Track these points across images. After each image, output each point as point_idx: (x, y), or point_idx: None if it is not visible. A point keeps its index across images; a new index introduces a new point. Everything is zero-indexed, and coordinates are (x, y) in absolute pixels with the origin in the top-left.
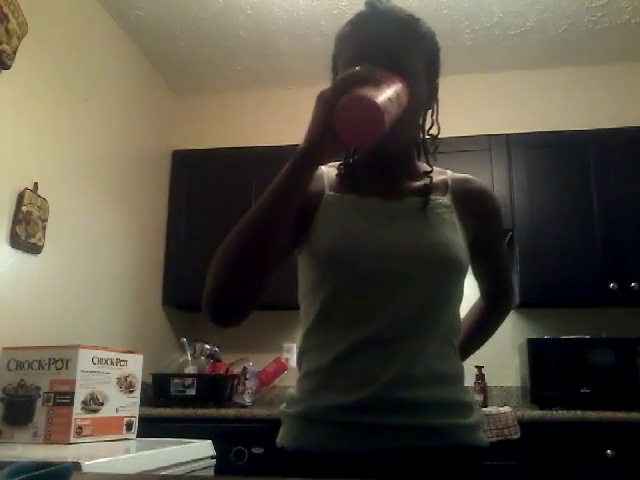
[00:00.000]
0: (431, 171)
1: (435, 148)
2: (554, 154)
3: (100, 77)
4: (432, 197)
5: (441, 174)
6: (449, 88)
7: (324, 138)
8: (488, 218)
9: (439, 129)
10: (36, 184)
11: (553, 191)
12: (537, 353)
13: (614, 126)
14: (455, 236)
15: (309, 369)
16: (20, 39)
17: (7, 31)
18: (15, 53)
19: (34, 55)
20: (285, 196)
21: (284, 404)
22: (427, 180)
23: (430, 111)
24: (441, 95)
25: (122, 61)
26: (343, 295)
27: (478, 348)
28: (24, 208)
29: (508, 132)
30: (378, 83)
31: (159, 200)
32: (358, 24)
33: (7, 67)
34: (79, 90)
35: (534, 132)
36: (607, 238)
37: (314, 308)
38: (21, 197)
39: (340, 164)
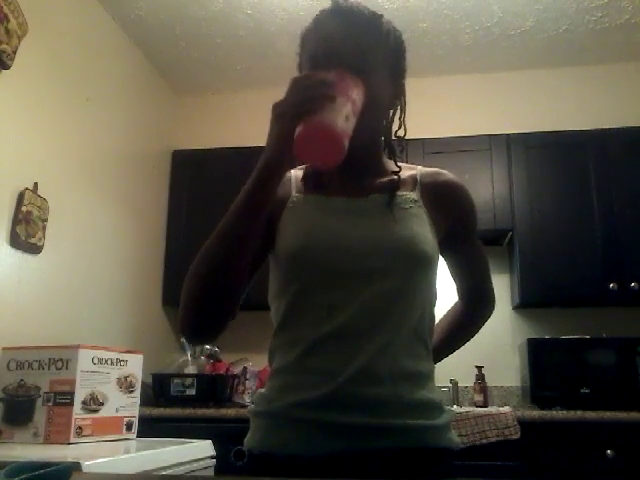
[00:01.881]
0: (399, 170)
1: (402, 149)
2: (554, 154)
3: (100, 77)
4: (399, 193)
5: (410, 170)
6: (449, 88)
7: (282, 154)
8: (459, 212)
9: (405, 130)
10: (36, 184)
11: (553, 191)
12: (537, 353)
13: (614, 126)
14: (421, 229)
15: (276, 367)
16: (20, 39)
17: (7, 31)
18: (15, 53)
19: (34, 55)
20: (249, 210)
21: (253, 404)
22: (394, 177)
23: (397, 112)
24: (442, 95)
25: (122, 61)
26: (308, 293)
27: (453, 351)
28: (24, 208)
29: (508, 132)
30: (333, 98)
31: (159, 200)
32: (320, 21)
33: (7, 67)
34: (79, 90)
35: (534, 132)
36: (607, 238)
37: (281, 308)
38: (21, 197)
39: (306, 166)
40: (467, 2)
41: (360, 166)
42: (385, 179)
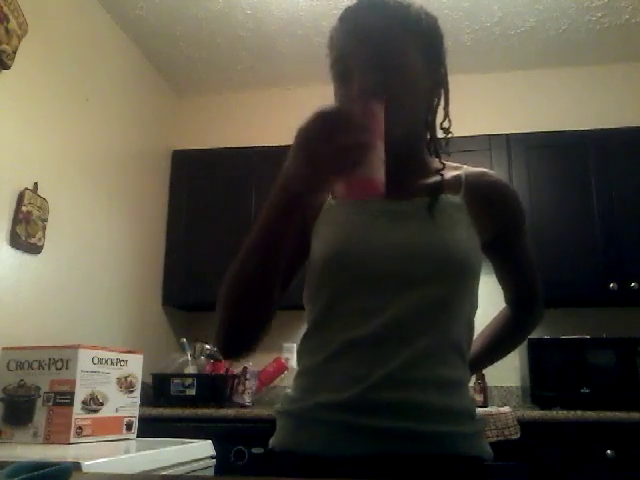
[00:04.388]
0: (443, 168)
1: (447, 143)
2: (554, 154)
3: (100, 77)
4: (443, 196)
5: (455, 169)
6: (449, 88)
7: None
8: (507, 216)
9: (450, 122)
10: (36, 184)
11: (553, 191)
12: (537, 353)
13: (614, 126)
14: (464, 236)
15: (303, 368)
16: (20, 39)
17: (7, 31)
18: (15, 53)
19: (34, 55)
20: (277, 234)
21: (279, 404)
22: (437, 178)
23: (440, 102)
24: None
25: (122, 61)
26: (341, 298)
27: (496, 360)
28: (24, 208)
29: (508, 132)
30: (370, 147)
31: (159, 200)
32: (346, 18)
33: (7, 67)
34: (79, 90)
35: (534, 132)
36: (607, 238)
37: (315, 311)
38: (21, 197)
39: None
40: (467, 2)
41: (400, 164)
42: (428, 180)
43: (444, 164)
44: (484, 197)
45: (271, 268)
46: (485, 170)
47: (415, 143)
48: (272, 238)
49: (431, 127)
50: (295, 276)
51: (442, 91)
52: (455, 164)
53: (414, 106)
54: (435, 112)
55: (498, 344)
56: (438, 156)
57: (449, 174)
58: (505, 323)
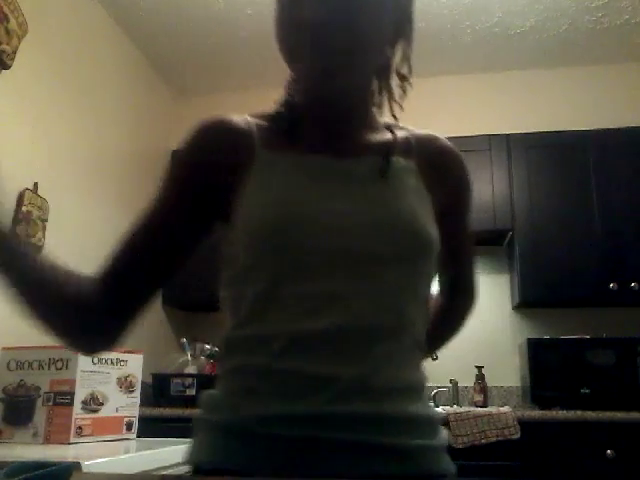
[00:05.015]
0: (395, 124)
1: (403, 91)
2: (554, 154)
3: (100, 77)
4: (395, 158)
5: (401, 130)
6: (449, 88)
7: None
8: (456, 187)
9: (410, 69)
10: (36, 184)
11: (553, 191)
12: (537, 353)
13: (614, 126)
14: (423, 207)
15: (239, 366)
16: (20, 39)
17: (7, 31)
18: (15, 53)
19: (34, 55)
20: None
21: (201, 409)
22: (388, 136)
23: (402, 46)
24: (442, 95)
25: (122, 61)
26: (288, 280)
27: (431, 354)
28: (24, 208)
29: (508, 132)
30: None
31: None
32: None
33: (7, 67)
34: (79, 90)
35: (534, 132)
36: (607, 238)
37: (249, 296)
38: (21, 197)
39: (275, 113)
40: (467, 2)
41: (346, 116)
42: (377, 137)
43: (397, 118)
44: (436, 164)
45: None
46: (434, 134)
47: (364, 89)
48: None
49: (386, 72)
50: (188, 258)
51: (406, 31)
52: (397, 124)
53: (373, 44)
54: (393, 55)
55: (434, 336)
56: (391, 108)
57: (397, 134)
58: (441, 312)
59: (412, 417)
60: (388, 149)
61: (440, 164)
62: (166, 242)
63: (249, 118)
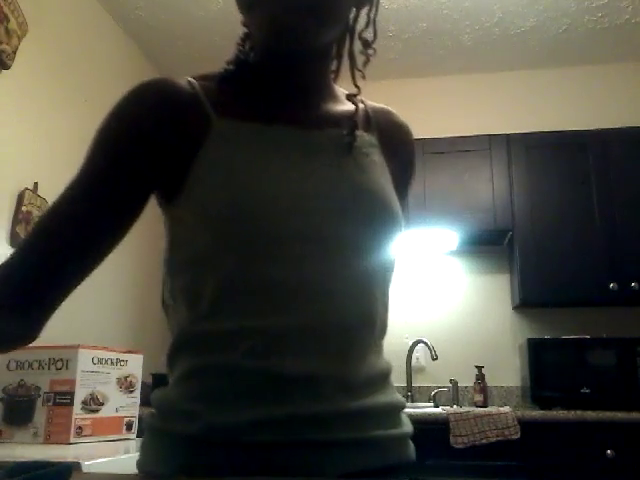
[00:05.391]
0: (357, 94)
1: (366, 60)
2: (554, 154)
3: (100, 77)
4: (358, 131)
5: (359, 101)
6: (449, 88)
7: None
8: (409, 164)
9: (375, 33)
10: (36, 184)
11: (553, 191)
12: (537, 353)
13: (614, 126)
14: (388, 183)
15: (199, 366)
16: (20, 39)
17: (7, 31)
18: (15, 53)
19: (34, 55)
20: None
21: (154, 415)
22: (350, 107)
23: (367, 9)
24: (442, 95)
25: (122, 61)
26: (255, 267)
27: None
28: (24, 208)
29: (508, 132)
30: None
31: None
32: None
33: (7, 67)
34: (79, 90)
35: (534, 132)
36: (607, 238)
37: (210, 285)
38: (21, 197)
39: (224, 73)
40: (467, 2)
41: (308, 81)
42: (339, 107)
43: (359, 88)
44: (393, 139)
45: None
46: (388, 107)
47: (326, 54)
48: None
49: (347, 35)
50: (119, 238)
51: None
52: (359, 95)
53: (341, 8)
54: (357, 17)
55: None
56: (353, 76)
57: (359, 105)
58: None
59: (387, 408)
60: (353, 122)
61: (396, 139)
62: (92, 228)
63: (191, 79)
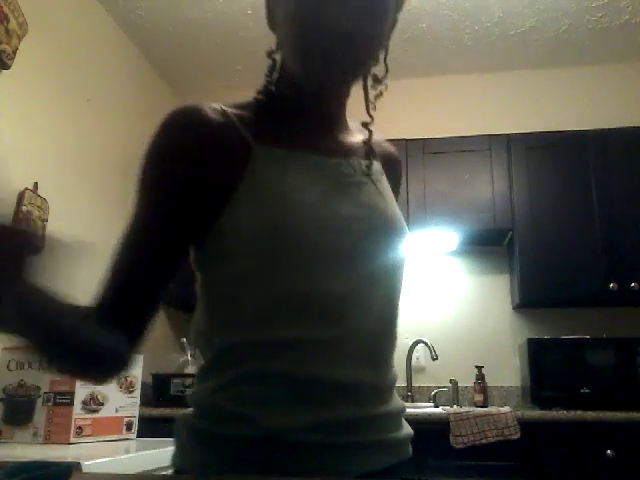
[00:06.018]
0: (370, 123)
1: (379, 94)
2: (554, 154)
3: (100, 77)
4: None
5: (359, 130)
6: (449, 88)
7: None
8: (398, 179)
9: (387, 69)
10: (36, 184)
11: (553, 191)
12: (537, 353)
13: (614, 126)
14: (396, 204)
15: (253, 373)
16: (20, 39)
17: (7, 31)
18: (15, 53)
19: (34, 55)
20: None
21: (198, 417)
22: (361, 137)
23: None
24: (442, 95)
25: (122, 61)
26: (300, 282)
27: None
28: (24, 208)
29: (508, 132)
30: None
31: None
32: None
33: (7, 67)
34: (79, 90)
35: (534, 132)
36: (607, 238)
37: (257, 298)
38: (21, 197)
39: (257, 103)
40: (467, 2)
41: (330, 115)
42: (353, 137)
43: (372, 118)
44: (389, 162)
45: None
46: (382, 134)
47: (347, 95)
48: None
49: (367, 72)
50: (178, 268)
51: (391, 34)
52: (370, 124)
53: (375, 51)
54: (378, 60)
55: None
56: (367, 108)
57: (357, 134)
58: None
59: (400, 411)
60: (369, 151)
61: (393, 167)
62: (164, 256)
63: (225, 108)
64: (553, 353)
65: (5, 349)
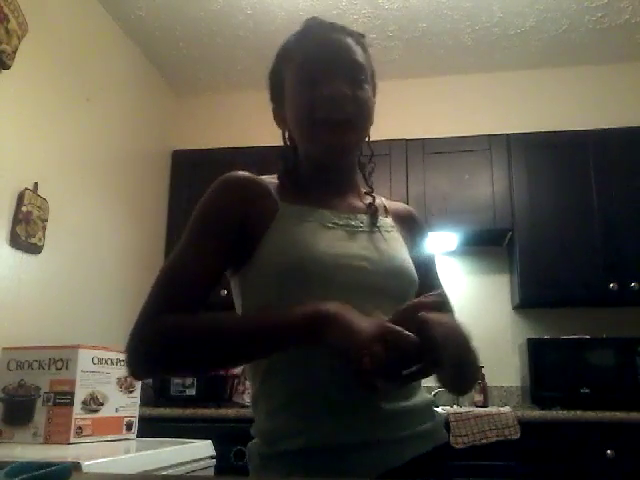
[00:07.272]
0: (372, 190)
1: (372, 169)
2: (554, 154)
3: (100, 77)
4: (378, 216)
5: (377, 197)
6: (449, 88)
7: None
8: (422, 238)
9: (372, 152)
10: (36, 184)
11: (553, 191)
12: (537, 353)
13: (614, 126)
14: (404, 251)
15: (299, 397)
16: (20, 39)
17: (7, 31)
18: (15, 53)
19: (34, 55)
20: (270, 352)
21: (261, 445)
22: (369, 199)
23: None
24: (442, 95)
25: (122, 61)
26: None
27: None
28: (24, 208)
29: (508, 132)
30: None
31: (159, 200)
32: (306, 34)
33: (7, 67)
34: (79, 90)
35: (534, 132)
36: (607, 238)
37: None
38: (21, 197)
39: (283, 175)
40: (467, 2)
41: (343, 181)
42: (361, 200)
43: (372, 188)
44: (404, 222)
45: (250, 359)
46: (401, 202)
47: (354, 164)
48: (263, 352)
49: (362, 149)
50: (213, 289)
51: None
52: (374, 193)
53: (369, 128)
54: (367, 134)
55: None
56: (365, 178)
57: (376, 199)
58: None
59: (430, 402)
60: (373, 209)
61: (408, 221)
62: (210, 278)
63: (265, 178)
64: (553, 353)
65: (5, 349)
